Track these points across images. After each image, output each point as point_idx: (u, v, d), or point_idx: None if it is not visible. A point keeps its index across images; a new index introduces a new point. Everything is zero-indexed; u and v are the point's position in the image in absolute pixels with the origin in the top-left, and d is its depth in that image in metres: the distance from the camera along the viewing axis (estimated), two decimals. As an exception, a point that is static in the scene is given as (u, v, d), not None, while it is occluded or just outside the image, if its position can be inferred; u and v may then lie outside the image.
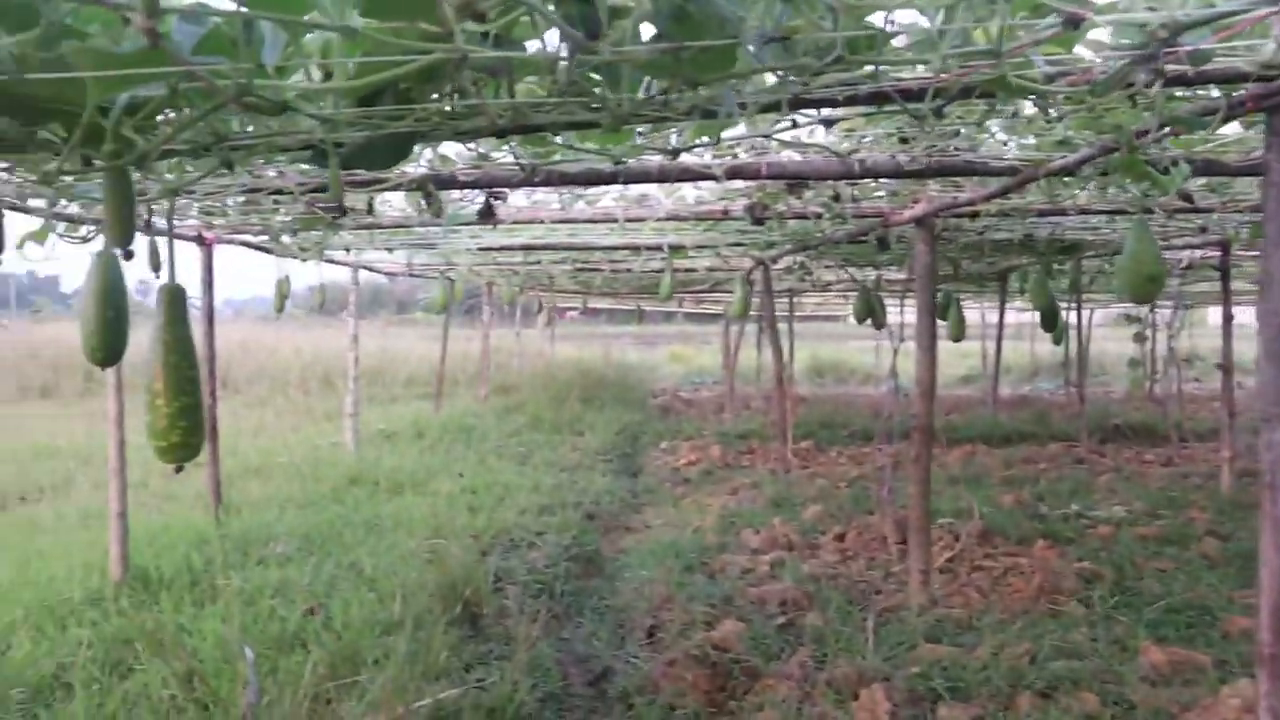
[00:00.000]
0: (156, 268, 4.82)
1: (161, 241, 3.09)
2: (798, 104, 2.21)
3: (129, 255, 2.53)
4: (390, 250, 9.46)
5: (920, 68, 2.26)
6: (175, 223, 6.34)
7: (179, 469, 2.57)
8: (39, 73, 1.52)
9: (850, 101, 2.30)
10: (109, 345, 3.91)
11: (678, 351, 35.00)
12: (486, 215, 4.70)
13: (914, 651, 5.16)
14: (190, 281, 5.37)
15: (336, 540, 7.35)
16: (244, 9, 1.58)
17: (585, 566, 7.10)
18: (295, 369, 21.90)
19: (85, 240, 4.88)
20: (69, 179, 2.66)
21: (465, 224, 6.26)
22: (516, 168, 3.83)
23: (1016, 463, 11.44)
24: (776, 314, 11.12)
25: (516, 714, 4.54)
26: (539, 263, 10.91)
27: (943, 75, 2.16)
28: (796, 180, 4.87)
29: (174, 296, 2.55)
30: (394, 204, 6.36)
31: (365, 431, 12.35)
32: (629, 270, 11.35)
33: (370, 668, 4.86)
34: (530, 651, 5.06)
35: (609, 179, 4.15)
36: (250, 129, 2.20)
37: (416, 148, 3.37)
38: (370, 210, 5.31)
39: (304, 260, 7.22)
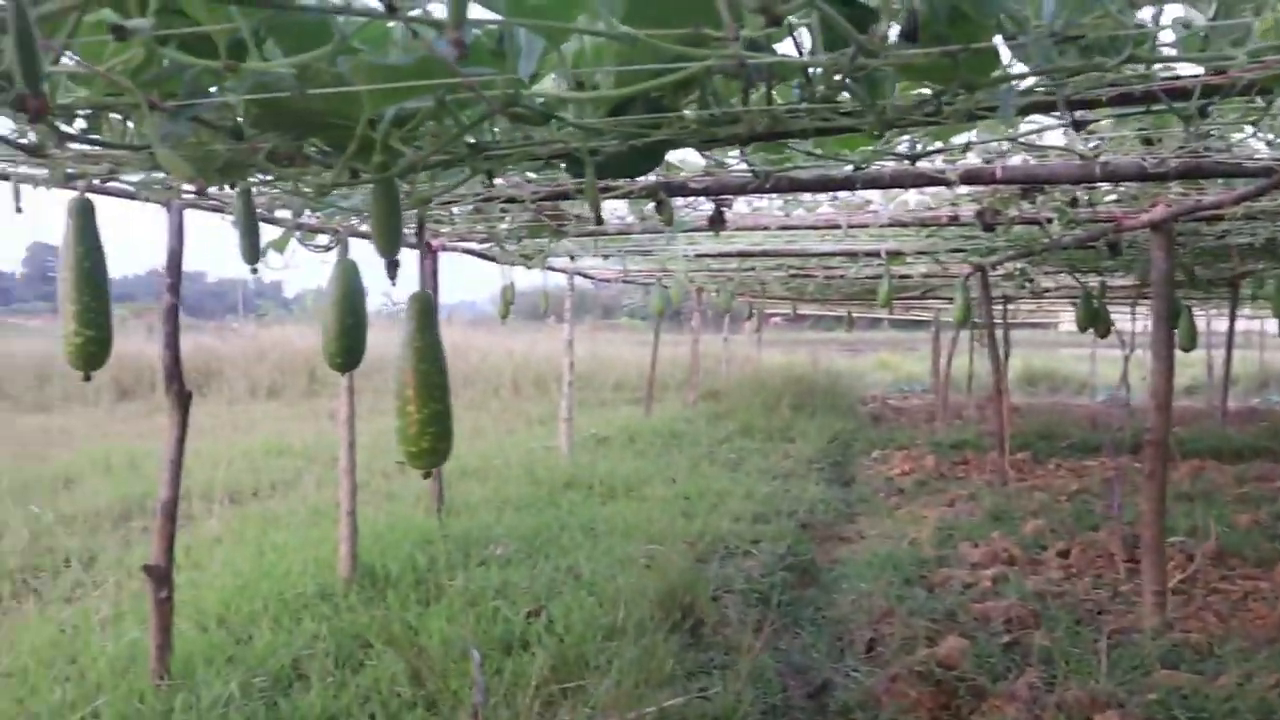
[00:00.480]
0: (394, 276, 4.98)
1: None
2: (1071, 105, 2.11)
3: (395, 265, 2.59)
4: (605, 257, 9.57)
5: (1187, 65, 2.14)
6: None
7: (427, 475, 2.61)
8: (320, 88, 1.55)
9: (1119, 101, 2.18)
10: (348, 351, 4.03)
11: (885, 358, 34.42)
12: (716, 222, 4.67)
13: (1149, 677, 4.92)
14: (410, 288, 5.52)
15: (554, 543, 7.44)
16: (506, 18, 1.58)
17: (801, 576, 7.01)
18: (508, 373, 22.32)
19: (327, 249, 5.07)
20: (335, 191, 2.77)
21: (691, 230, 6.26)
22: (748, 174, 3.80)
23: (1250, 480, 10.82)
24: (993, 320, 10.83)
25: (739, 725, 4.52)
26: (753, 269, 10.87)
27: (1220, 73, 2.03)
28: (1031, 184, 4.70)
29: (424, 304, 2.58)
30: (616, 211, 6.42)
31: (578, 435, 12.50)
32: (843, 276, 11.20)
33: (593, 673, 4.89)
34: (752, 662, 5.01)
35: (841, 185, 4.07)
36: (499, 139, 2.23)
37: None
38: (599, 219, 5.33)
39: (529, 268, 7.34)
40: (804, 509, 9.06)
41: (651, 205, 6.14)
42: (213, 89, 1.79)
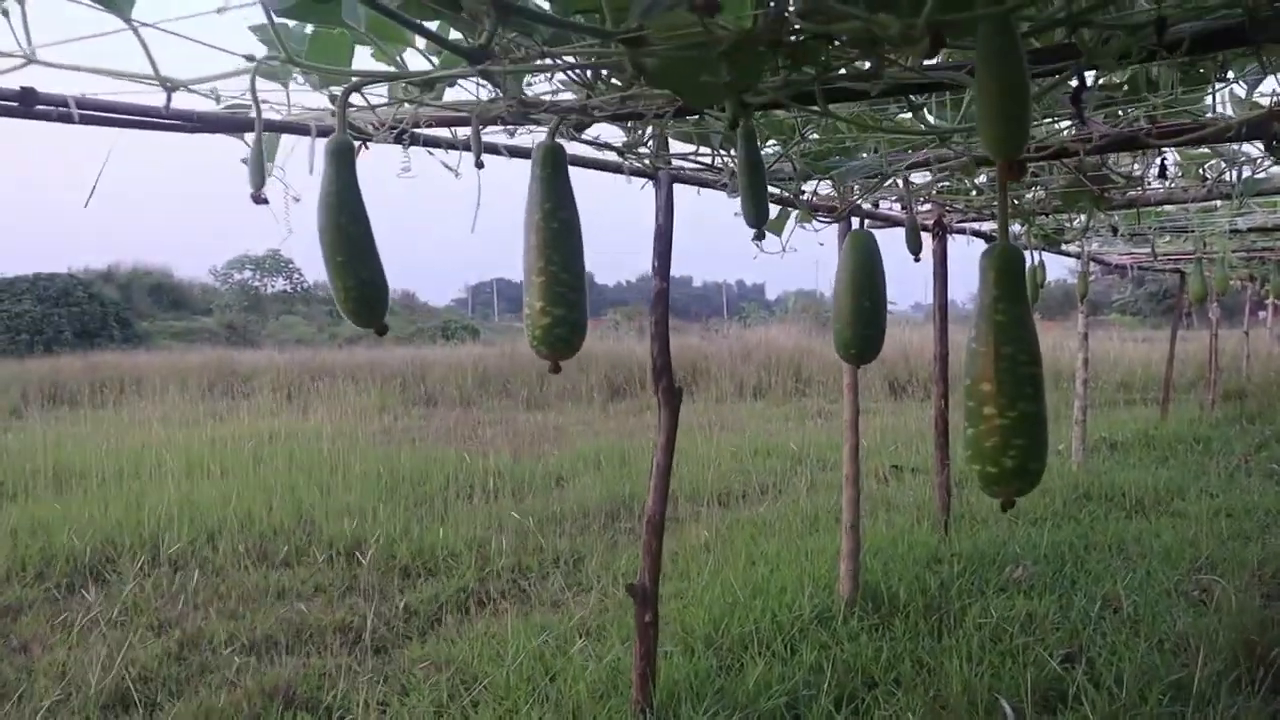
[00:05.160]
0: (916, 250, 4.22)
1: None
2: None
3: (761, 236, 1.82)
4: (1130, 236, 8.34)
5: None
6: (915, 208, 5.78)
7: (1007, 506, 1.81)
8: None
9: None
10: (865, 340, 3.30)
11: None
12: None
13: None
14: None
15: (1079, 566, 6.42)
16: None
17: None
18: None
19: (829, 222, 4.39)
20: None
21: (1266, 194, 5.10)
22: None
23: None
24: None
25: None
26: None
27: None
28: None
29: (1005, 265, 1.80)
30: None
31: (1089, 440, 11.22)
32: None
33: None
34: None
35: None
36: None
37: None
38: (1165, 176, 4.33)
39: (1068, 253, 6.35)
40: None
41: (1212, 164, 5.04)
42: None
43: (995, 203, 5.53)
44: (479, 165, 2.32)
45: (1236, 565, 6.32)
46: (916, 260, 3.94)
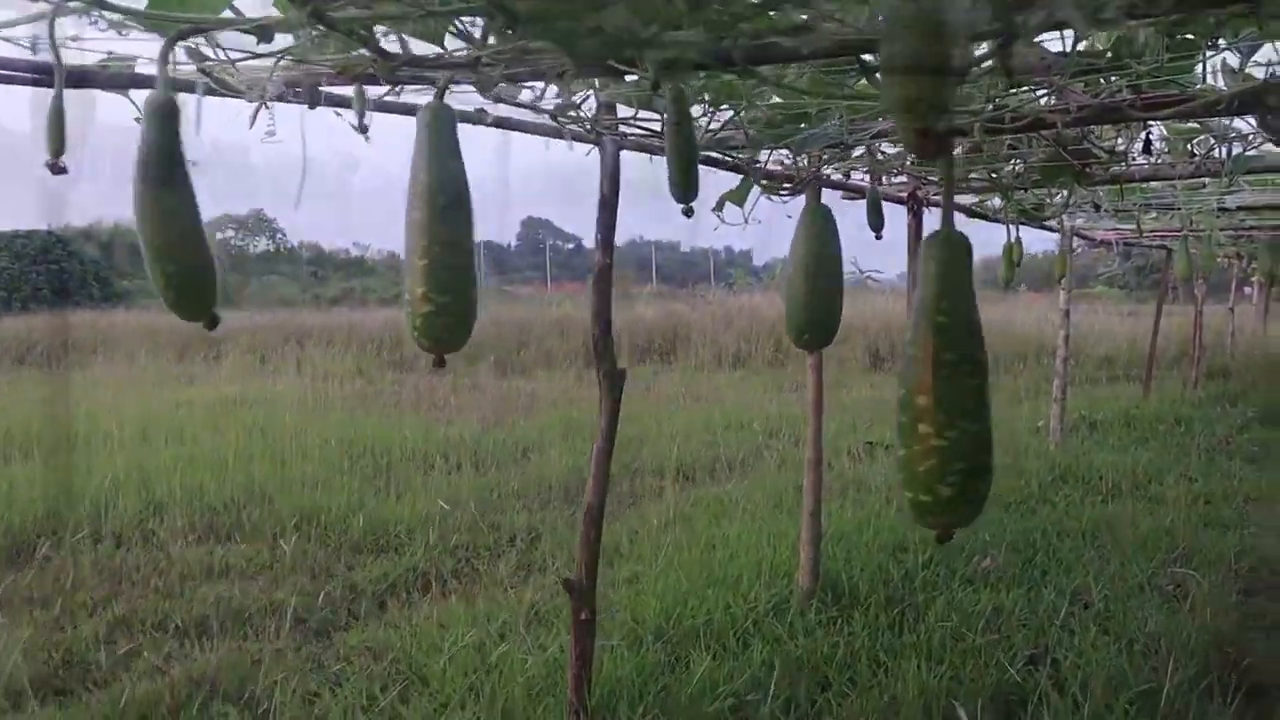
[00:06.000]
0: (877, 228, 3.96)
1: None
2: None
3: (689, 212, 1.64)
4: (1115, 212, 8.06)
5: None
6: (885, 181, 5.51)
7: (943, 539, 1.55)
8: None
9: None
10: (817, 325, 3.04)
11: None
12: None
13: None
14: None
15: (1051, 555, 6.18)
16: None
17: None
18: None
19: (790, 195, 4.11)
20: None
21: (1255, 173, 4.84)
22: None
23: None
24: None
25: None
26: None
27: None
28: None
29: (947, 253, 1.54)
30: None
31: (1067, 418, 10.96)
32: None
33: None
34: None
35: None
36: None
37: None
38: (1149, 151, 4.07)
39: (1049, 228, 6.08)
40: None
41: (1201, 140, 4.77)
42: None
43: (974, 174, 5.28)
44: (361, 130, 2.05)
45: (1213, 558, 6.08)
46: (878, 238, 3.68)
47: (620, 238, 3.93)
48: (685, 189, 2.24)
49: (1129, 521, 7.01)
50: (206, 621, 5.38)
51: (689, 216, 2.34)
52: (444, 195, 1.79)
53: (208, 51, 1.80)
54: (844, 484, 8.24)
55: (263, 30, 1.50)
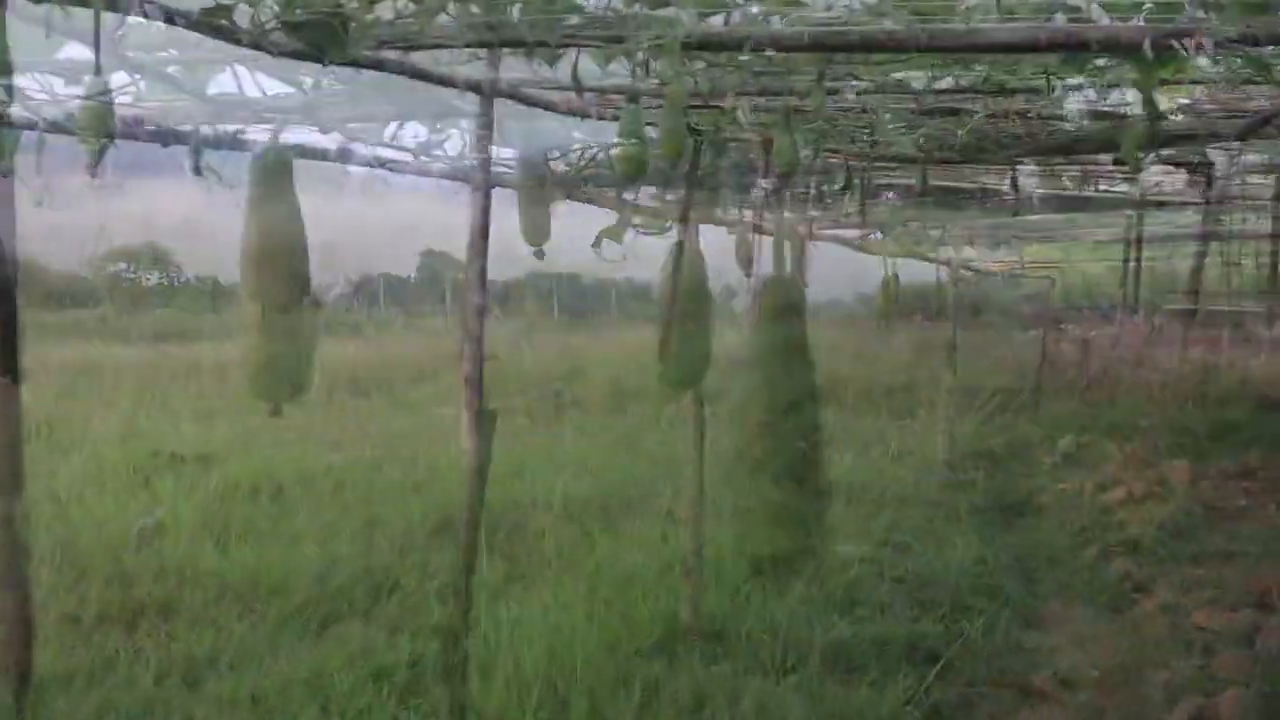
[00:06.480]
0: (746, 266, 3.97)
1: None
2: None
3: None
4: (997, 245, 8.26)
5: None
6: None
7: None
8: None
9: None
10: (683, 367, 3.03)
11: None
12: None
13: None
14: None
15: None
16: None
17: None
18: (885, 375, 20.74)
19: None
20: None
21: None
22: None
23: None
24: None
25: None
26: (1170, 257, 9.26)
27: None
28: None
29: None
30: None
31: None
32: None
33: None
34: None
35: None
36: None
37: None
38: (1016, 188, 4.18)
39: (935, 261, 6.19)
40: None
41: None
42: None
43: (855, 210, 5.33)
44: (196, 171, 1.98)
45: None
46: (747, 276, 3.70)
47: (521, 270, 3.89)
48: (535, 236, 2.23)
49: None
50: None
51: (540, 259, 2.32)
52: (276, 237, 1.74)
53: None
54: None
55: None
